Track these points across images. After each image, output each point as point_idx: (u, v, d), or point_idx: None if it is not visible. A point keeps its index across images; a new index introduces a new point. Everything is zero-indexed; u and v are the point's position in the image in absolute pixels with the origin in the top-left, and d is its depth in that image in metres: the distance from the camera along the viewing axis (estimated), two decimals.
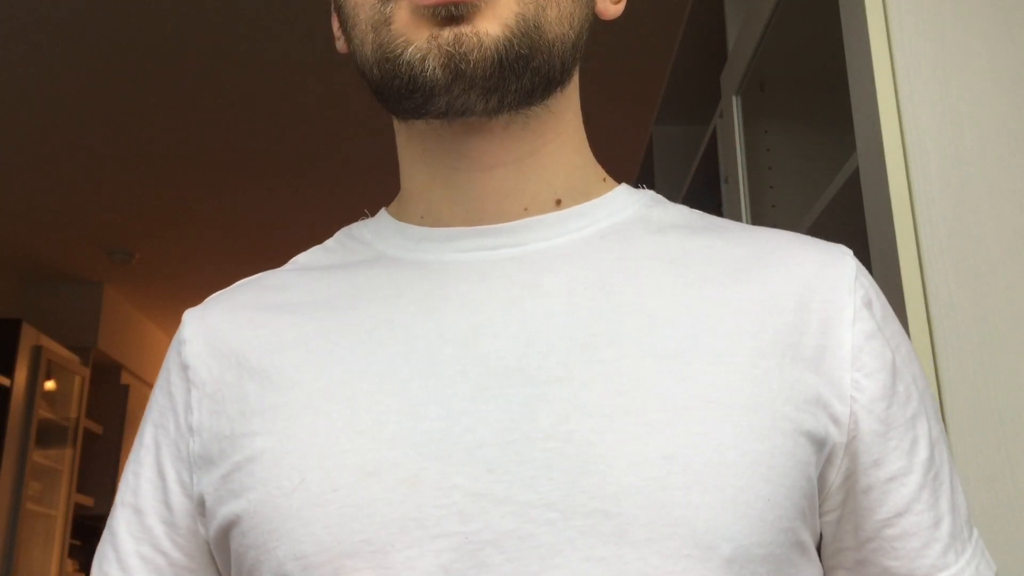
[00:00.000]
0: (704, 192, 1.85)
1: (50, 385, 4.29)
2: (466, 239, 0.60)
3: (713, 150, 1.68)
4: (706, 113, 1.89)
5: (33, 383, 4.04)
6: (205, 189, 3.69)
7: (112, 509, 0.62)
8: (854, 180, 1.00)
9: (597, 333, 0.54)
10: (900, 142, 0.88)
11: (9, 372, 3.91)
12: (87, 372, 4.50)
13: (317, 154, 3.39)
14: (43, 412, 4.12)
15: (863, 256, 0.90)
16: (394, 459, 0.51)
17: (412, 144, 0.62)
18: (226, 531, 0.55)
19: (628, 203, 0.62)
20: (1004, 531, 0.78)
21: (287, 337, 0.58)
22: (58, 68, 2.84)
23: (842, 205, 1.07)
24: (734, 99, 1.48)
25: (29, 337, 4.04)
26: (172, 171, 3.53)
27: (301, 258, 0.66)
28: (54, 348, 4.22)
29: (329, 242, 0.67)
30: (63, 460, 4.26)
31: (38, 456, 4.06)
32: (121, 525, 0.60)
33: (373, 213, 0.67)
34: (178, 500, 0.59)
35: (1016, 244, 0.85)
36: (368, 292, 0.59)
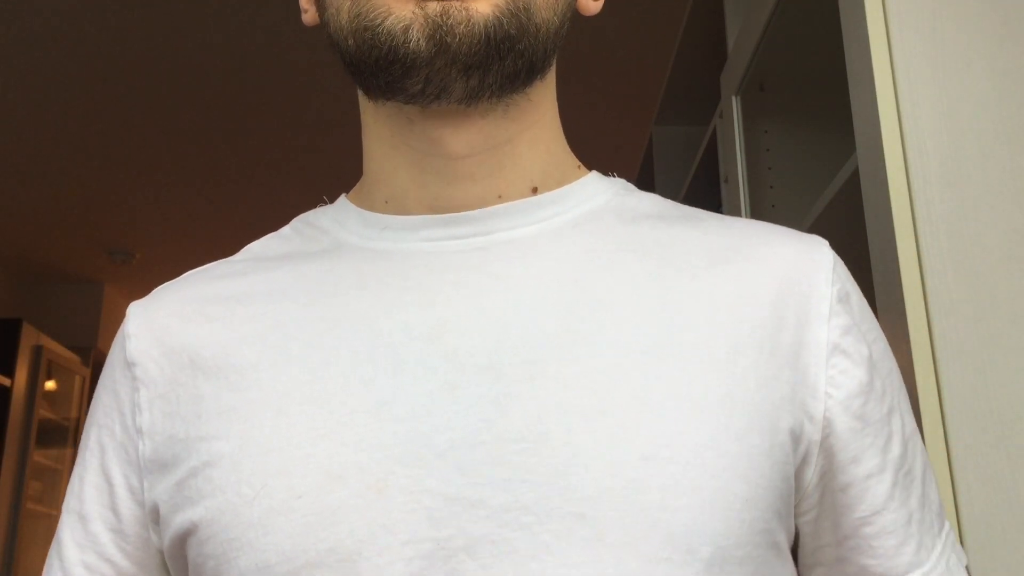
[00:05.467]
0: (704, 192, 1.85)
1: (50, 385, 4.29)
2: (432, 228, 0.57)
3: (713, 150, 1.68)
4: (706, 113, 1.89)
5: (33, 383, 4.04)
6: (206, 189, 3.69)
7: (61, 516, 0.59)
8: (854, 180, 1.00)
9: (571, 328, 0.52)
10: (900, 142, 0.88)
11: (9, 372, 3.91)
12: (87, 372, 4.50)
13: (319, 155, 3.39)
14: (43, 412, 4.13)
15: (863, 256, 0.90)
16: (360, 463, 0.49)
17: (379, 125, 0.59)
18: (182, 540, 0.52)
19: (600, 190, 0.61)
20: (1004, 531, 0.78)
21: (243, 332, 0.55)
22: (58, 69, 2.84)
23: (842, 205, 1.07)
24: (734, 99, 1.48)
25: (29, 337, 4.04)
26: (172, 171, 3.53)
27: (255, 246, 0.63)
28: (54, 348, 4.22)
29: (284, 230, 0.63)
30: (63, 460, 4.26)
31: (38, 456, 4.06)
32: (66, 532, 0.57)
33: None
34: (127, 506, 0.55)
35: (1016, 244, 0.85)
36: (328, 284, 0.56)
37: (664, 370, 0.51)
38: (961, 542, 0.78)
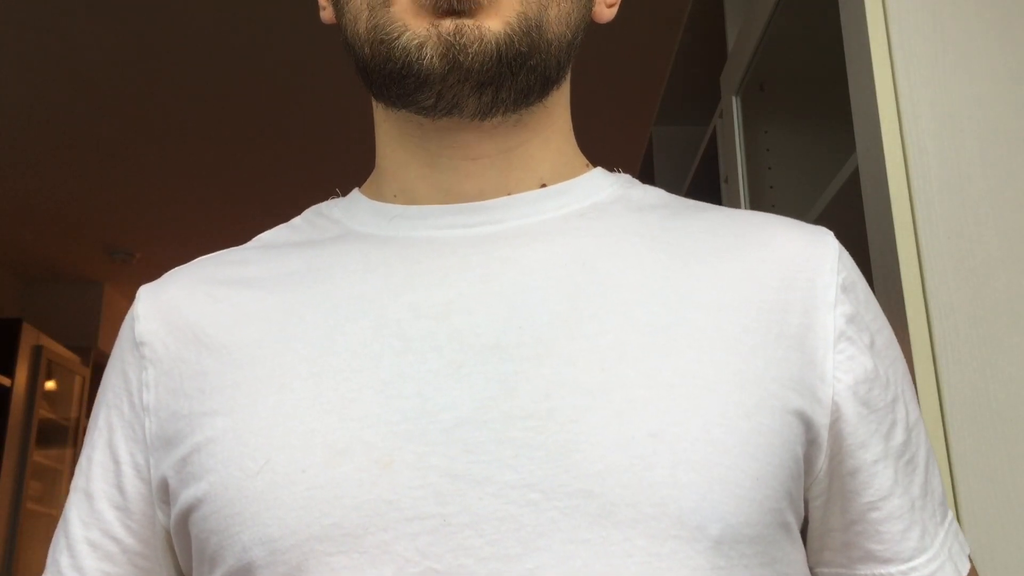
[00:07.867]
0: (704, 192, 1.85)
1: (50, 385, 4.29)
2: (442, 216, 0.57)
3: (713, 150, 1.68)
4: (706, 113, 1.89)
5: (33, 383, 4.04)
6: (206, 190, 3.69)
7: (68, 495, 0.59)
8: (854, 180, 1.00)
9: (578, 308, 0.52)
10: (900, 142, 0.88)
11: (9, 372, 3.91)
12: (87, 372, 4.50)
13: (321, 155, 3.39)
14: (43, 412, 4.12)
15: (863, 256, 0.90)
16: (366, 439, 0.48)
17: (390, 124, 0.60)
18: (185, 516, 0.52)
19: (606, 184, 0.62)
20: (1004, 531, 0.78)
21: (249, 311, 0.55)
22: (58, 68, 2.84)
23: (842, 205, 1.07)
24: (734, 99, 1.48)
25: (29, 337, 4.04)
26: (172, 171, 3.53)
27: (265, 236, 0.64)
28: (54, 348, 4.22)
29: (296, 220, 0.64)
30: (63, 460, 4.26)
31: (38, 456, 4.06)
32: (72, 510, 0.58)
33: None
34: (132, 484, 0.56)
35: (1016, 244, 0.85)
36: (336, 267, 0.57)
37: (672, 347, 0.50)
38: None
